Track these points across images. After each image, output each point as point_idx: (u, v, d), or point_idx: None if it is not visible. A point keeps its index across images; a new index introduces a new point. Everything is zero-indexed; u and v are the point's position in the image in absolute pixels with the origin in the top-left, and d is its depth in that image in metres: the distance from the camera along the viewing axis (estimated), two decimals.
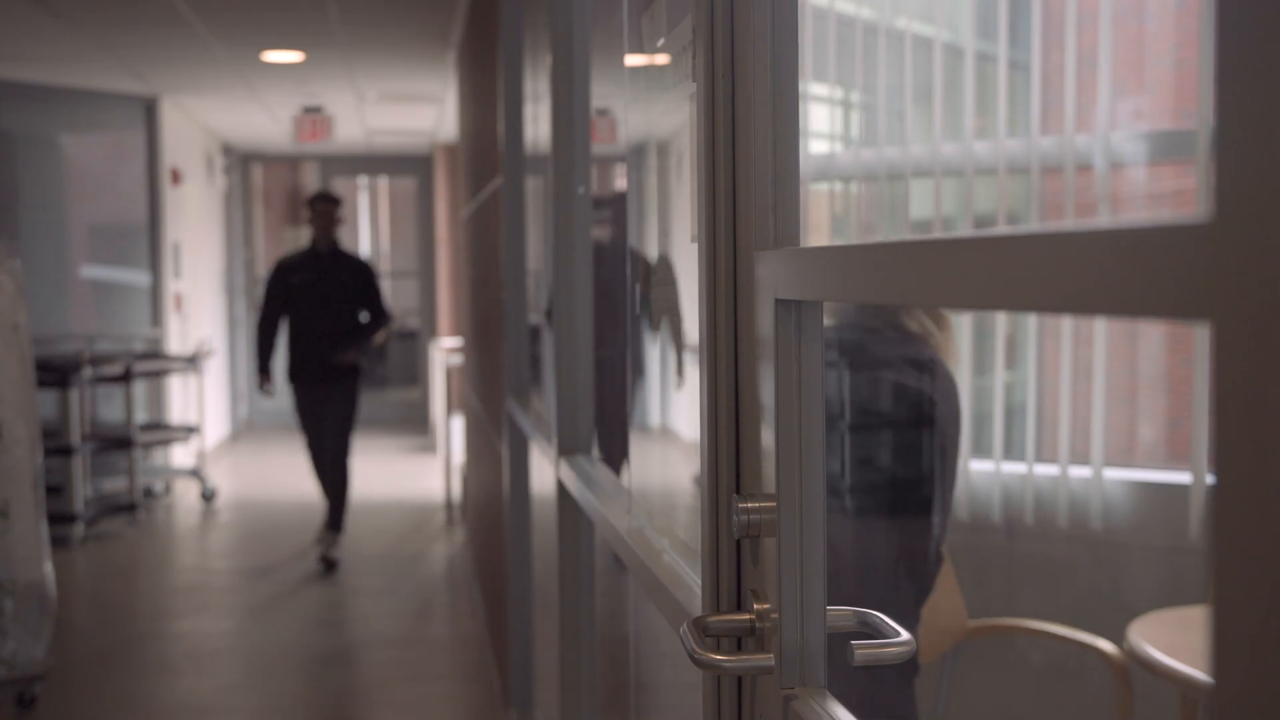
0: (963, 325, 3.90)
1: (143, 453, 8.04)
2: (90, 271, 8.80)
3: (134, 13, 6.14)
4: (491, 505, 4.67)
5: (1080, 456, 3.68)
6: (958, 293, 0.72)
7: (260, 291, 7.33)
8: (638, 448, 2.44)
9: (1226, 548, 0.44)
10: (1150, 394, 3.81)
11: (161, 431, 8.29)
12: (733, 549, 1.24)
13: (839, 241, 4.22)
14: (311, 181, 13.22)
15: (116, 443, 7.50)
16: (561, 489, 2.59)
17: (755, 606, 1.16)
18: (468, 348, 6.21)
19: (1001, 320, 3.78)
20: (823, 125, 4.29)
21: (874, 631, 1.11)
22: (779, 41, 1.11)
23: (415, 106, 9.21)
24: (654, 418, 2.92)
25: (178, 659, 4.92)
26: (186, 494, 8.77)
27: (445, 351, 8.73)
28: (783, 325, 1.07)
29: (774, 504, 1.09)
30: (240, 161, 12.15)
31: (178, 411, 9.22)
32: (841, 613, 1.12)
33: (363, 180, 14.62)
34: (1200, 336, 3.42)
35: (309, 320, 6.54)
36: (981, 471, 3.73)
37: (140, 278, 8.92)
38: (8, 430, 4.14)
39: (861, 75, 3.97)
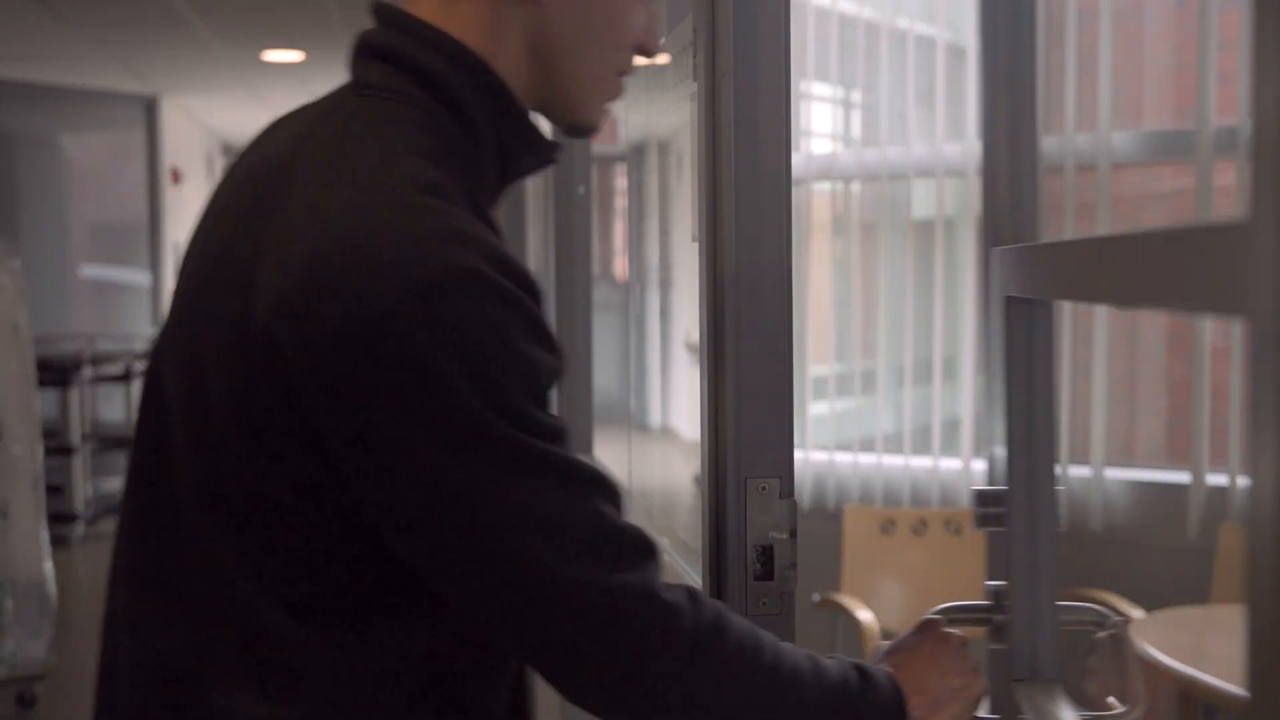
0: (965, 324, 3.90)
1: None
2: (91, 271, 8.80)
3: (134, 12, 6.14)
4: None
5: (1080, 456, 3.68)
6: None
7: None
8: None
9: (1261, 546, 0.44)
10: (1150, 394, 3.81)
11: None
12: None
13: (840, 240, 4.21)
14: None
15: (117, 443, 7.50)
16: None
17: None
18: None
19: None
20: (825, 125, 4.28)
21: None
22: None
23: None
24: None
25: None
26: None
27: None
28: None
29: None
30: None
31: None
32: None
33: None
34: (1201, 336, 3.43)
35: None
36: (982, 471, 3.73)
37: (141, 277, 8.92)
38: (8, 430, 4.14)
39: (864, 75, 3.96)
